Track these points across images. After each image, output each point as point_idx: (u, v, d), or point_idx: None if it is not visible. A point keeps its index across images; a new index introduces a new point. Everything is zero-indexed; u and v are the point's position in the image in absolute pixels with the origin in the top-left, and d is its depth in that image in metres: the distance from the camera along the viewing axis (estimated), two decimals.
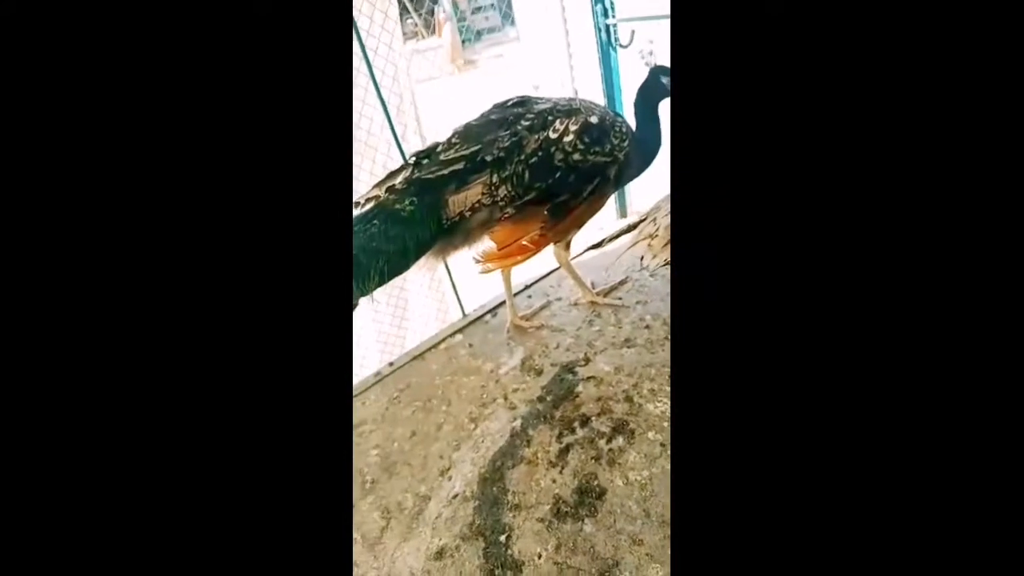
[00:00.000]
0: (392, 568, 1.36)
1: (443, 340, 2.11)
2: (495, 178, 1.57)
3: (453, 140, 1.62)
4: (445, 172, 1.56)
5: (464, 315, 2.23)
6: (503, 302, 2.21)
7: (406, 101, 1.98)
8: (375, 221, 1.54)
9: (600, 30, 2.30)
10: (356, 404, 1.90)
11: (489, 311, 2.23)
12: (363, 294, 1.50)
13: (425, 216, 1.55)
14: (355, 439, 1.77)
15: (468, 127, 1.65)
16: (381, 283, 1.53)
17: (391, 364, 2.04)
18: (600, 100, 2.53)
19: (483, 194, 1.58)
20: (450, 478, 1.55)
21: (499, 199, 1.59)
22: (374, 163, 2.01)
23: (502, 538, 1.37)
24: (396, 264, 1.54)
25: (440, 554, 1.35)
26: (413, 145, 2.07)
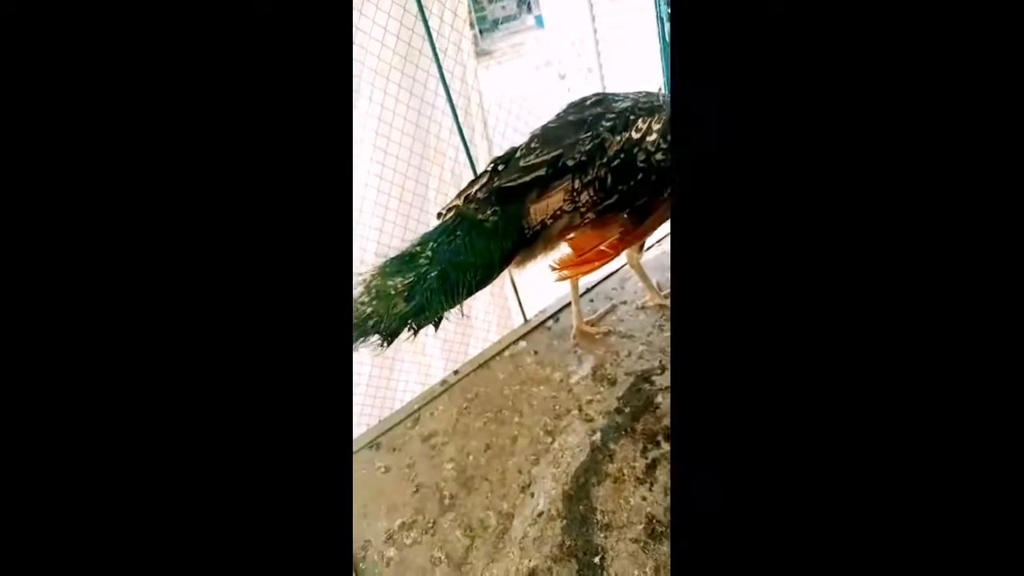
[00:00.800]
0: None
1: (507, 347, 2.05)
2: (577, 183, 1.50)
3: (532, 145, 1.55)
4: (527, 179, 1.49)
5: (526, 321, 2.17)
6: (564, 306, 2.15)
7: (473, 103, 1.91)
8: (458, 232, 1.48)
9: (662, 21, 2.20)
10: (424, 414, 1.87)
11: (551, 316, 2.17)
12: (452, 307, 1.46)
13: (508, 226, 1.49)
14: (428, 451, 1.73)
15: (546, 130, 1.58)
16: (469, 295, 1.48)
17: (456, 372, 1.99)
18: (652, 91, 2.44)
19: (565, 200, 1.51)
20: (532, 495, 1.51)
21: (580, 205, 1.52)
22: (443, 168, 1.94)
23: (596, 560, 1.32)
24: (484, 277, 1.49)
25: None
26: (481, 150, 2.00)
